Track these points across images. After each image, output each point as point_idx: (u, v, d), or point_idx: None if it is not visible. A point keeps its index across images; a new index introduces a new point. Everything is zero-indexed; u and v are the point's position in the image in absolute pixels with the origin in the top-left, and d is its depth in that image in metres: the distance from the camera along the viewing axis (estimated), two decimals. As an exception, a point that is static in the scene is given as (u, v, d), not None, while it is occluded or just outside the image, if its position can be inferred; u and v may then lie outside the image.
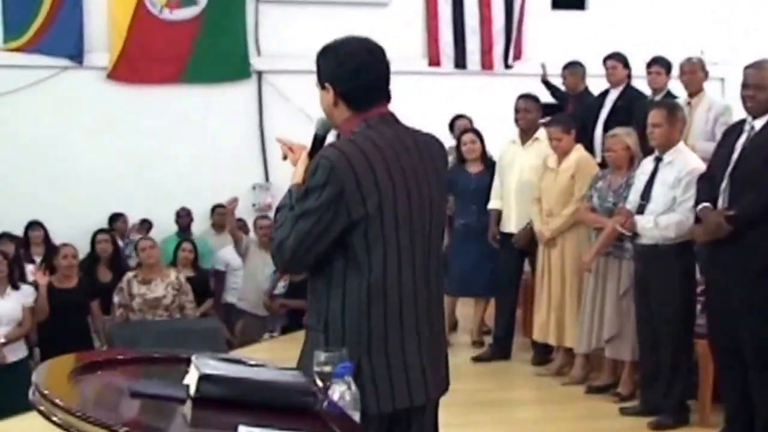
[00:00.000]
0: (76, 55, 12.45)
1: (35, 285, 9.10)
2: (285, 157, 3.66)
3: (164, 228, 12.07)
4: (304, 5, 12.88)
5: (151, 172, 12.10)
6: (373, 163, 3.23)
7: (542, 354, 8.09)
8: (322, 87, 3.40)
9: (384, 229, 3.25)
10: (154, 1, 12.51)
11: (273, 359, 7.44)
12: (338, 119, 3.41)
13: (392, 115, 3.43)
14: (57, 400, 2.42)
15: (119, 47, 12.47)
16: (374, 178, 3.22)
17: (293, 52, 12.57)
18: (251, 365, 2.90)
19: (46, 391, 2.48)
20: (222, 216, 11.98)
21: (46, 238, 11.12)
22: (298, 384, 2.63)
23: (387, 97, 3.43)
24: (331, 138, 3.53)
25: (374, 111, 3.38)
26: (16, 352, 8.67)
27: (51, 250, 10.79)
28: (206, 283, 10.52)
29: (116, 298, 9.02)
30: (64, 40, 12.40)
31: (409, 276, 3.30)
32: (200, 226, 12.35)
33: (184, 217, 12.15)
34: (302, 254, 3.24)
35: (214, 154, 12.41)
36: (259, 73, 12.88)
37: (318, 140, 3.50)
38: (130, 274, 9.11)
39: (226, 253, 11.26)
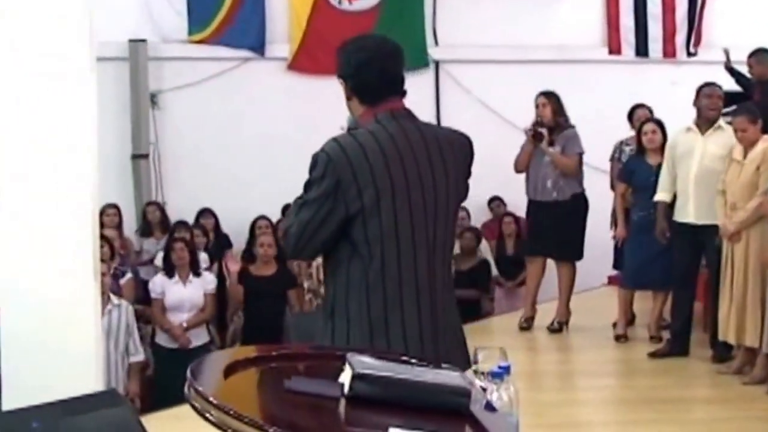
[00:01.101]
0: (257, 46, 12.66)
1: (227, 271, 9.34)
2: None
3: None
4: (483, -5, 12.79)
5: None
6: (370, 157, 3.37)
7: (723, 351, 7.81)
8: (340, 82, 3.57)
9: (382, 222, 3.38)
10: (334, -8, 12.65)
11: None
12: (356, 113, 3.58)
13: (405, 111, 3.54)
14: (211, 398, 2.40)
15: (299, 38, 12.62)
16: (371, 172, 3.35)
17: (471, 41, 12.54)
18: (408, 363, 2.85)
19: (200, 387, 2.47)
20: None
21: (217, 227, 11.36)
22: (453, 384, 2.54)
23: (399, 93, 3.56)
24: None
25: (384, 106, 3.50)
26: (199, 338, 8.94)
27: (220, 238, 11.05)
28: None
29: (306, 284, 9.23)
30: (247, 32, 12.63)
31: (410, 267, 3.43)
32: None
33: None
34: (304, 243, 3.45)
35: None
36: (437, 63, 12.84)
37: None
38: (320, 260, 9.18)
39: None
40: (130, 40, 12.29)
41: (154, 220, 11.36)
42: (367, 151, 3.38)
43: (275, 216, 11.00)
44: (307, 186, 3.44)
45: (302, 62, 12.64)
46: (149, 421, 4.16)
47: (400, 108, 3.54)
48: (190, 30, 12.56)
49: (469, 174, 3.68)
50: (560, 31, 12.57)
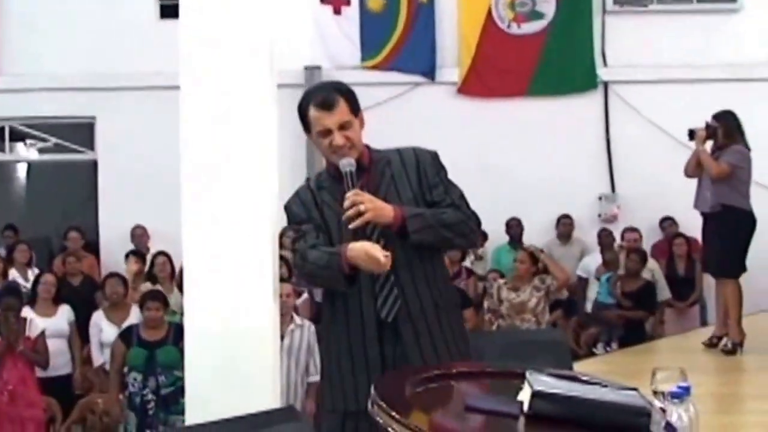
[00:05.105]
0: (428, 71, 12.82)
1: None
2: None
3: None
4: (652, 14, 12.65)
5: (496, 184, 12.18)
6: None
7: None
8: (356, 115, 3.89)
9: None
10: (503, 16, 12.70)
11: (612, 372, 7.36)
12: (361, 141, 3.93)
13: None
14: (394, 413, 2.48)
15: (468, 62, 12.74)
16: None
17: (640, 61, 12.44)
18: (587, 382, 2.87)
19: (383, 403, 2.55)
20: (567, 226, 12.12)
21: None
22: (633, 404, 2.54)
23: None
24: None
25: None
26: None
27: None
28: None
29: (486, 303, 9.43)
30: (418, 57, 12.80)
31: None
32: (546, 236, 12.39)
33: (514, 227, 12.21)
34: None
35: (559, 165, 12.41)
36: (606, 84, 12.75)
37: (354, 176, 3.81)
38: (500, 281, 9.54)
39: (591, 261, 11.38)
40: (306, 67, 12.59)
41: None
42: None
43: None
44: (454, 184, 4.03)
45: (471, 86, 12.73)
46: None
47: None
48: (363, 56, 12.82)
49: None
50: (732, 49, 12.35)
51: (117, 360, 8.24)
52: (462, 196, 3.90)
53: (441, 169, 3.94)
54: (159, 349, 7.85)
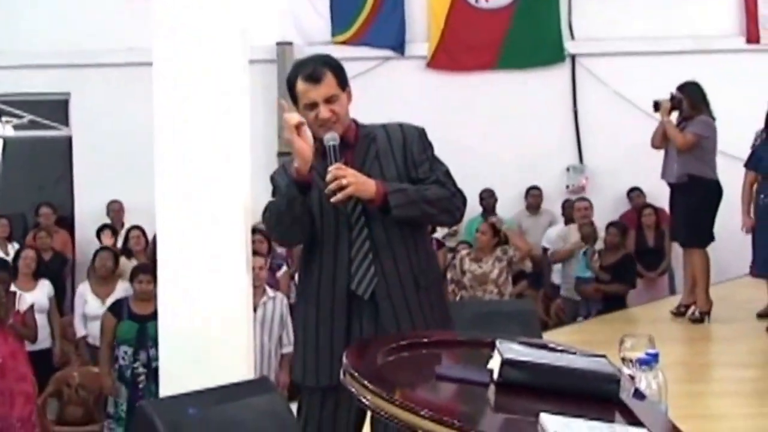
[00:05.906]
0: (398, 46, 12.85)
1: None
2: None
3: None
4: (618, -13, 12.72)
5: (466, 156, 12.19)
6: None
7: None
8: (344, 89, 3.84)
9: None
10: (471, -10, 12.75)
11: (582, 342, 7.45)
12: (347, 115, 3.89)
13: None
14: (365, 382, 2.49)
15: (437, 37, 12.78)
16: None
17: (607, 34, 12.50)
18: (556, 350, 2.90)
19: (355, 373, 2.58)
20: (536, 198, 12.24)
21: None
22: (602, 371, 2.58)
23: None
24: None
25: None
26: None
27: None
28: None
29: (449, 274, 9.48)
30: (388, 32, 12.83)
31: None
32: (515, 207, 12.50)
33: (487, 199, 12.28)
34: None
35: (528, 137, 12.46)
36: (573, 57, 12.82)
37: (336, 150, 3.75)
38: (463, 252, 9.60)
39: (554, 232, 11.47)
40: (278, 43, 12.60)
41: None
42: None
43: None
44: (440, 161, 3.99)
45: (440, 60, 12.79)
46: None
47: None
48: (333, 32, 12.85)
49: None
50: (696, 21, 12.44)
51: (107, 334, 8.14)
52: (448, 174, 3.87)
53: (428, 146, 3.90)
54: (150, 323, 7.80)
